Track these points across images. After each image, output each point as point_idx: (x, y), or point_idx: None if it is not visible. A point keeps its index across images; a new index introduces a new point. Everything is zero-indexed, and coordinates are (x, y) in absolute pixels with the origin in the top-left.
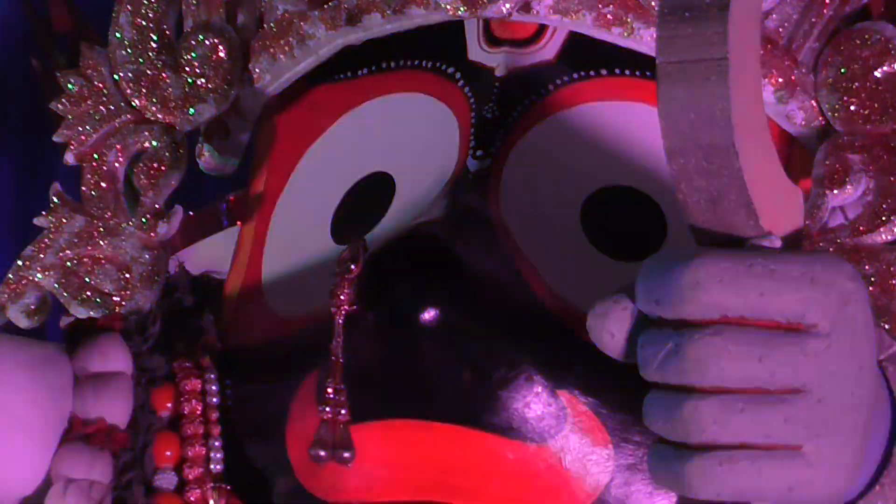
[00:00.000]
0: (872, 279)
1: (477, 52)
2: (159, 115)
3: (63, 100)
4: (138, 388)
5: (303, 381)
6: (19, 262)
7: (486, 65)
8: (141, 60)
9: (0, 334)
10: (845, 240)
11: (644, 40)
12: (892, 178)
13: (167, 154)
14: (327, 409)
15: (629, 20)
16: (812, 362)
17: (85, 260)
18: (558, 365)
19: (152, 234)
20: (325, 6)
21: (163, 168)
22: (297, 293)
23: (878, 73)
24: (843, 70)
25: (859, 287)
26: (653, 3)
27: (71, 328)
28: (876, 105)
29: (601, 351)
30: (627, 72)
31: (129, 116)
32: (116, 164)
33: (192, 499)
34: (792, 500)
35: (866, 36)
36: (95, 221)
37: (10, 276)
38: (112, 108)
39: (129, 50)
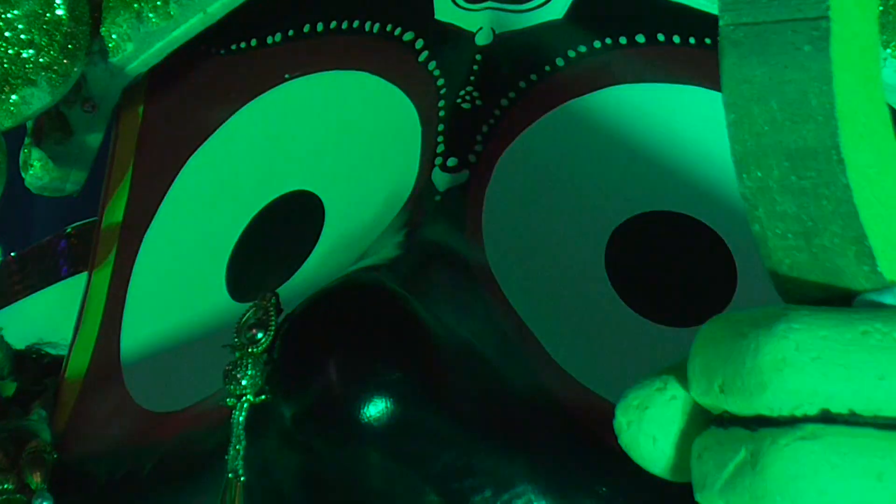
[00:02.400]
0: None
1: (449, 8)
2: None
3: None
4: None
5: None
6: None
7: (462, 28)
8: None
9: None
10: None
11: None
12: None
13: None
14: None
15: None
16: None
17: None
18: (572, 485)
19: None
20: None
21: None
22: (174, 376)
23: None
24: None
25: None
26: None
27: None
28: None
29: (636, 463)
30: (676, 38)
31: None
32: None
33: None
34: None
35: None
36: None
37: None
38: None
39: None
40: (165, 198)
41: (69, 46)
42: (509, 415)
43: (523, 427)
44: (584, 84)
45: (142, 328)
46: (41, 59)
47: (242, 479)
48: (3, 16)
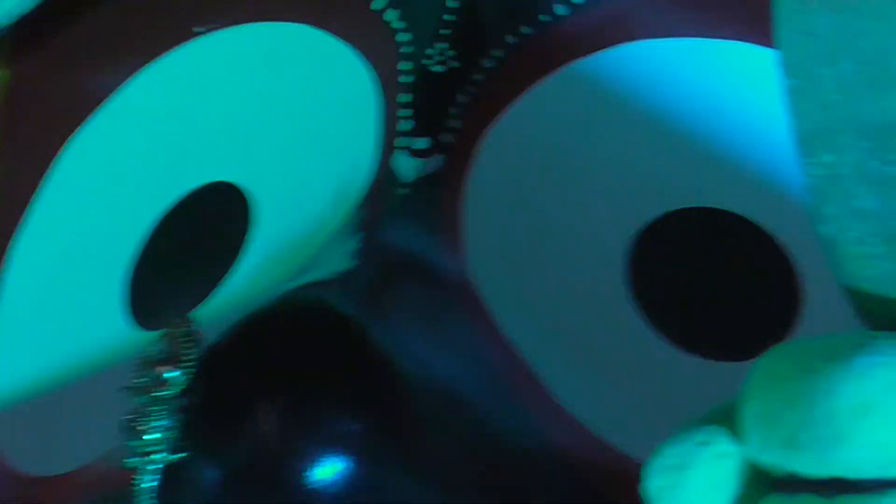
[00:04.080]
0: None
1: None
2: None
3: None
4: None
5: None
6: None
7: None
8: None
9: None
10: None
11: None
12: None
13: None
14: None
15: None
16: None
17: None
18: None
19: None
20: None
21: None
22: (57, 429)
23: None
24: None
25: None
26: None
27: None
28: None
29: None
30: None
31: None
32: None
33: None
34: None
35: None
36: None
37: None
38: None
39: None
40: (40, 190)
41: None
42: (501, 476)
43: (519, 490)
44: (594, 39)
45: (12, 366)
46: None
47: None
48: None
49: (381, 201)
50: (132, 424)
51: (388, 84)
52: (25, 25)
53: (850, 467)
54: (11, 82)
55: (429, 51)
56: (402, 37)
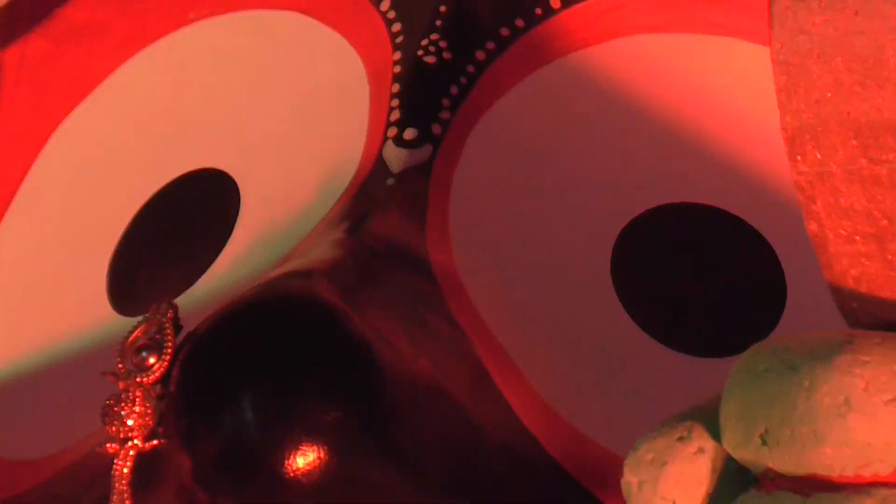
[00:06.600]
0: None
1: None
2: None
3: None
4: None
5: None
6: None
7: None
8: None
9: None
10: None
11: None
12: None
13: None
14: None
15: None
16: None
17: None
18: None
19: None
20: None
21: None
22: (35, 413)
23: None
24: None
25: None
26: None
27: None
28: None
29: None
30: None
31: None
32: None
33: None
34: None
35: None
36: None
37: None
38: None
39: None
40: (27, 176)
41: None
42: (482, 469)
43: (501, 485)
44: (586, 33)
45: None
46: None
47: None
48: None
49: (369, 191)
50: (112, 409)
51: (379, 74)
52: (17, 7)
53: (828, 465)
54: (1, 65)
55: (423, 42)
56: (396, 27)
